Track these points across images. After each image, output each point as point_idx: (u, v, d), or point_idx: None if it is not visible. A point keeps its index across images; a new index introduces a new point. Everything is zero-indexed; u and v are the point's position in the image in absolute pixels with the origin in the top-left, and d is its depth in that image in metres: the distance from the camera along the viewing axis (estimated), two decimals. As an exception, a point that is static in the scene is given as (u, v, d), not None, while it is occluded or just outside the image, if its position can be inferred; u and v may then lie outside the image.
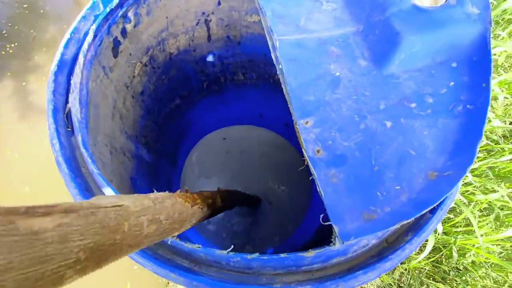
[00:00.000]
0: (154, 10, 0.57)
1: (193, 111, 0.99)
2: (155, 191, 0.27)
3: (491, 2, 1.89)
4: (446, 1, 0.36)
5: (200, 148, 1.16)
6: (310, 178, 0.32)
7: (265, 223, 1.06)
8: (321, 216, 0.28)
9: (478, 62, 0.34)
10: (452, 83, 0.35)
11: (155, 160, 0.82)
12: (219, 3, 0.67)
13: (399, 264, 1.34)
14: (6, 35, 1.97)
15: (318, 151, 0.32)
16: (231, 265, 0.30)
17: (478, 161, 1.42)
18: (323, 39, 0.39)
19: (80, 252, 0.15)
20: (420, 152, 0.31)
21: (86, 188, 0.33)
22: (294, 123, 0.35)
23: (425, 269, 1.32)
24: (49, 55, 1.88)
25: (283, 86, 0.38)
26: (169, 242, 0.29)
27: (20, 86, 1.82)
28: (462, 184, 1.43)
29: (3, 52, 1.95)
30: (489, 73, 0.33)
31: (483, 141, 1.43)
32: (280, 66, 0.37)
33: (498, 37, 1.72)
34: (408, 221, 0.27)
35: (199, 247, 0.29)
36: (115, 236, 0.18)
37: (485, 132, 1.48)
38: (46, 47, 1.93)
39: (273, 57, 0.40)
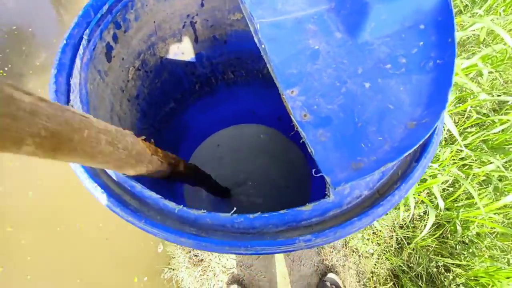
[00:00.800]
0: (141, 15, 0.60)
1: (188, 113, 1.01)
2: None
3: (465, -17, 1.94)
4: (406, -29, 0.39)
5: (198, 152, 1.18)
6: (301, 140, 0.34)
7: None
8: (313, 170, 0.31)
9: (442, 21, 0.38)
10: (422, 43, 0.38)
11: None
12: (202, 4, 0.71)
13: (406, 245, 1.35)
14: None
15: (305, 115, 0.34)
16: (235, 227, 0.32)
17: (471, 136, 1.45)
18: (300, 18, 0.42)
19: (42, 129, 0.20)
20: (398, 106, 0.34)
21: (94, 173, 0.35)
22: (281, 95, 0.37)
23: (432, 246, 1.34)
24: (42, 80, 1.91)
25: (268, 64, 0.41)
26: (176, 211, 0.31)
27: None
28: (459, 159, 1.46)
29: None
30: (453, 30, 0.36)
31: (473, 116, 1.47)
32: (263, 46, 0.40)
33: (475, 15, 1.78)
34: (393, 163, 0.29)
35: (204, 212, 0.31)
36: (74, 135, 0.23)
37: (474, 107, 1.52)
38: (39, 75, 1.96)
39: (256, 40, 0.44)
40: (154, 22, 0.66)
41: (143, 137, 0.37)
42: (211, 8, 0.74)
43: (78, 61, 0.44)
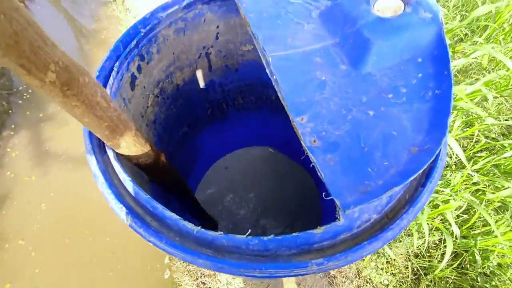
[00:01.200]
0: (163, 48, 0.67)
1: (200, 137, 1.06)
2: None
3: (463, 14, 2.05)
4: (403, 11, 0.44)
5: (209, 175, 1.21)
6: (311, 165, 0.37)
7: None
8: (323, 193, 0.32)
9: (438, 55, 0.41)
10: (420, 75, 0.41)
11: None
12: (217, 37, 0.78)
13: (423, 276, 1.28)
14: (20, 89, 2.17)
15: (314, 141, 0.37)
16: (250, 249, 0.33)
17: (482, 160, 1.44)
18: (308, 52, 0.46)
19: (60, 60, 0.27)
20: (401, 133, 0.36)
21: (120, 195, 0.38)
22: (291, 122, 0.40)
23: (451, 278, 1.27)
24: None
25: (278, 94, 0.45)
26: (194, 232, 0.33)
27: (36, 134, 1.96)
28: (472, 183, 1.43)
29: (19, 102, 2.14)
30: (448, 63, 0.39)
31: (482, 140, 1.46)
32: (274, 77, 0.44)
33: (476, 43, 1.84)
34: (399, 187, 0.31)
35: (220, 234, 0.33)
36: (79, 77, 0.29)
37: (482, 131, 1.52)
38: None
39: (268, 71, 0.48)
40: (173, 53, 0.73)
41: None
42: (225, 41, 0.81)
43: (108, 90, 0.49)
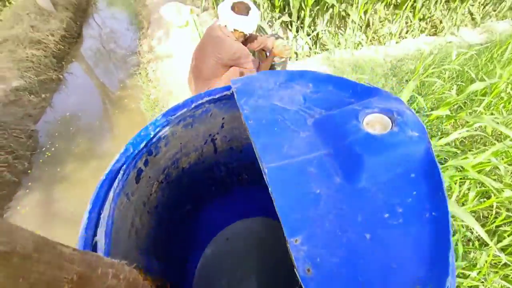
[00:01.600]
0: (171, 141, 0.72)
1: (202, 213, 1.05)
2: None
3: (459, 84, 2.16)
4: (391, 129, 0.47)
5: (209, 251, 1.16)
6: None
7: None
8: None
9: (430, 172, 0.42)
10: (415, 193, 0.41)
11: (161, 267, 0.82)
12: (222, 126, 0.84)
13: None
14: (43, 149, 2.32)
15: (308, 270, 0.36)
16: None
17: (507, 235, 1.32)
18: (303, 162, 0.49)
19: (75, 274, 0.25)
20: (401, 265, 0.34)
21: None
22: (286, 241, 0.40)
23: None
24: (80, 164, 2.17)
25: (274, 204, 0.45)
26: None
27: (48, 195, 2.02)
28: (502, 264, 1.29)
29: (40, 161, 2.28)
30: (441, 183, 0.40)
31: (503, 213, 1.37)
32: (270, 189, 0.46)
33: (476, 112, 1.88)
34: None
35: None
36: (92, 274, 0.28)
37: (501, 203, 1.44)
38: (77, 158, 2.24)
39: (265, 178, 0.49)
40: (181, 143, 0.78)
41: (135, 264, 0.42)
42: (230, 128, 0.87)
43: (111, 194, 0.51)
